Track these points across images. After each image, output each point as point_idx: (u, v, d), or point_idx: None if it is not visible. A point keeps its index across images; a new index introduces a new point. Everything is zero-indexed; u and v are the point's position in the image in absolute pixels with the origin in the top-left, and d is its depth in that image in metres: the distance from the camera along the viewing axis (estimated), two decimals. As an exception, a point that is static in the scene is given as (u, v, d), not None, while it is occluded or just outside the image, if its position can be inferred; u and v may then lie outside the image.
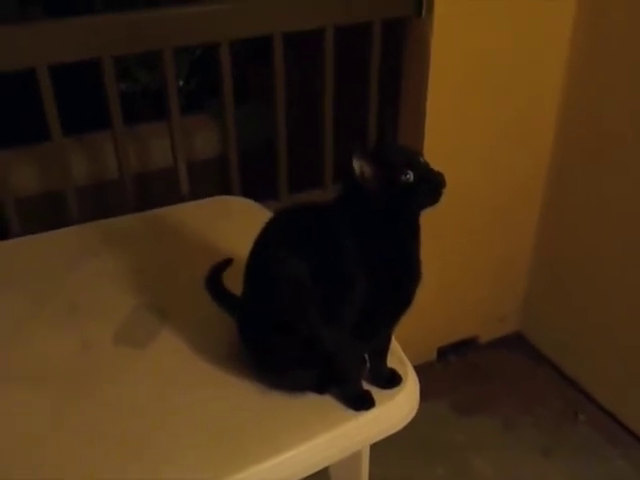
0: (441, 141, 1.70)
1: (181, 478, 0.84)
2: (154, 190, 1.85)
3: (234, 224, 1.33)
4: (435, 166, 0.84)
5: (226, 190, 1.64)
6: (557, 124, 1.91)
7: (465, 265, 2.03)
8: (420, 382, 1.01)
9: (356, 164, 0.82)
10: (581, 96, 1.83)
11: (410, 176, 0.81)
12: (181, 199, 1.57)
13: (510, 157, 1.90)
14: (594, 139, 1.83)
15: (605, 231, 1.87)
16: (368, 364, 0.98)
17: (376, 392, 0.95)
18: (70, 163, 1.51)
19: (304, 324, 0.87)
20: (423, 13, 1.60)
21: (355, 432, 0.93)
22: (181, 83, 2.31)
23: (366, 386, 0.96)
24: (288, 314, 0.88)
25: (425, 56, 1.63)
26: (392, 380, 0.98)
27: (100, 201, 1.85)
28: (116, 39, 1.38)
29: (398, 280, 0.87)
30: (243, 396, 0.95)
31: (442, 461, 1.82)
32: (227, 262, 1.17)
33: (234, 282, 0.97)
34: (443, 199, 0.83)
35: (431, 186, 0.82)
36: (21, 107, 1.82)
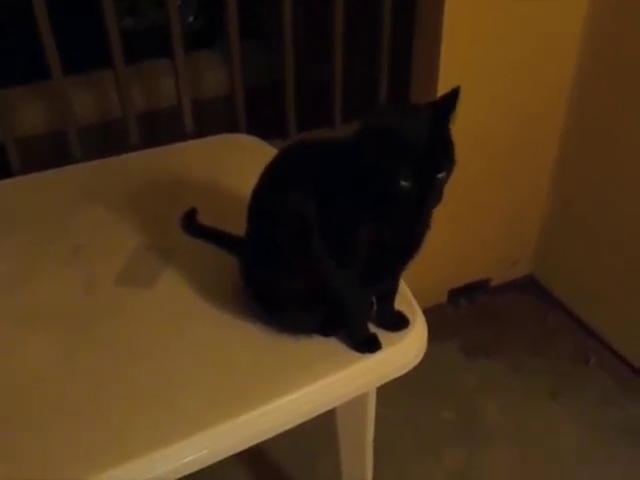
0: (456, 78, 1.63)
1: (187, 419, 0.83)
2: (162, 128, 1.83)
3: (239, 162, 1.30)
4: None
5: (234, 128, 1.61)
6: (577, 58, 1.84)
7: (478, 208, 1.99)
8: (430, 324, 1.00)
9: (370, 146, 0.77)
10: (603, 28, 1.76)
11: (409, 184, 0.75)
12: (186, 137, 1.54)
13: (527, 96, 1.84)
14: (615, 76, 1.77)
15: (622, 175, 1.83)
16: (375, 306, 0.96)
17: (383, 335, 0.94)
18: (75, 101, 1.48)
19: (308, 264, 0.85)
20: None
21: (361, 375, 0.92)
22: (190, 19, 2.26)
23: (373, 329, 0.95)
24: (292, 252, 0.86)
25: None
26: (399, 323, 0.97)
27: (107, 139, 1.83)
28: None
29: (406, 228, 0.84)
30: (248, 338, 0.94)
31: (450, 403, 1.83)
32: (194, 210, 1.15)
33: (237, 221, 0.95)
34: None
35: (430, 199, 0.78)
36: (26, 44, 1.78)
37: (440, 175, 0.76)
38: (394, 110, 0.82)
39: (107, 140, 1.81)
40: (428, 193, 0.76)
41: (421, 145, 0.75)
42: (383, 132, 0.75)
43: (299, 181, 0.84)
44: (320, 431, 1.26)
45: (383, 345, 0.93)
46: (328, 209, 0.81)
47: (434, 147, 0.76)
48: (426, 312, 1.00)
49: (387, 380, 0.95)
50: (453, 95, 0.77)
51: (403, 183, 0.75)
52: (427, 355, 0.98)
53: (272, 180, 0.89)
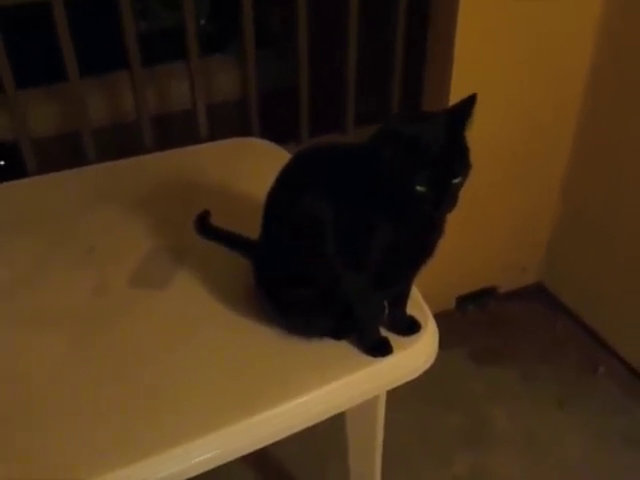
0: (469, 81, 1.64)
1: (197, 420, 0.84)
2: (174, 132, 1.83)
3: (252, 165, 1.30)
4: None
5: (246, 132, 1.62)
6: (590, 63, 1.83)
7: (488, 214, 1.99)
8: (438, 331, 1.00)
9: (386, 151, 0.77)
10: (616, 30, 1.75)
11: (424, 190, 0.76)
12: (199, 140, 1.54)
13: (539, 101, 1.83)
14: (627, 80, 1.76)
15: (633, 182, 1.82)
16: (387, 310, 0.96)
17: (394, 339, 0.94)
18: (89, 103, 1.49)
19: (322, 268, 0.85)
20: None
21: (372, 378, 0.92)
22: (202, 22, 2.26)
23: (384, 333, 0.95)
24: (306, 255, 0.86)
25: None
26: (411, 327, 0.97)
27: (121, 142, 1.83)
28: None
29: (420, 233, 0.85)
30: (260, 340, 0.94)
31: (458, 409, 1.83)
32: (207, 213, 1.15)
33: (250, 224, 0.95)
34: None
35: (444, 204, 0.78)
36: (42, 46, 1.79)
37: (455, 181, 0.77)
38: (411, 116, 0.83)
39: (121, 142, 1.82)
40: (443, 198, 0.77)
41: (437, 151, 0.75)
42: (400, 137, 0.76)
43: (314, 184, 0.85)
44: (330, 434, 1.26)
45: (394, 349, 0.93)
46: (343, 212, 0.82)
47: (450, 153, 0.76)
48: (434, 319, 1.00)
49: (397, 384, 0.95)
50: (469, 102, 0.78)
51: (419, 188, 0.76)
52: (436, 361, 0.98)
53: (288, 183, 0.89)
